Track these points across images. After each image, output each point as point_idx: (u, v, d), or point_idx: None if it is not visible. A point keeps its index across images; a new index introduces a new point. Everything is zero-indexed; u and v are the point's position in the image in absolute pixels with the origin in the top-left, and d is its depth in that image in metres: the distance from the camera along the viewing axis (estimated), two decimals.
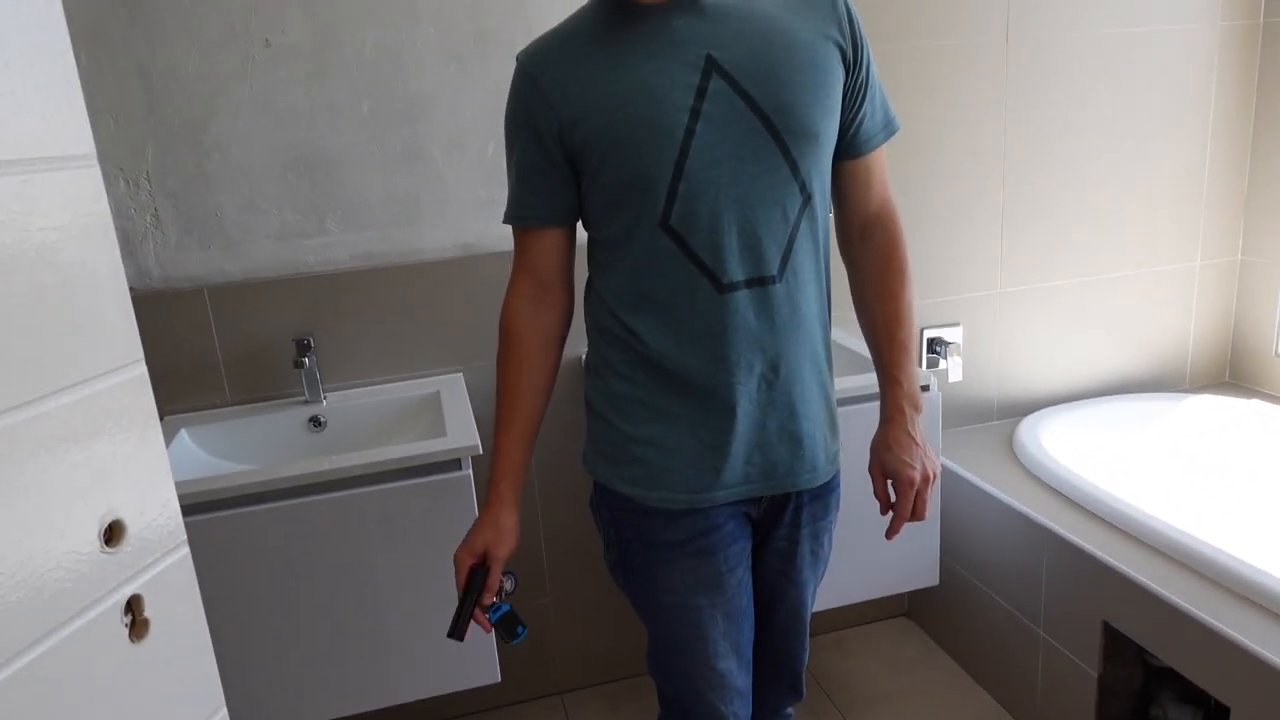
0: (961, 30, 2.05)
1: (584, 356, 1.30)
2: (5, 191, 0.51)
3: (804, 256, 1.16)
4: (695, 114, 1.08)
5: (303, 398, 1.80)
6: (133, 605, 0.58)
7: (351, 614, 1.54)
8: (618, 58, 1.10)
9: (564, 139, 1.12)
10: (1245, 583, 1.56)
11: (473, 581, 1.20)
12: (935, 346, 2.24)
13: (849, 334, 1.78)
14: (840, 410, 1.30)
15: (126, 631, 0.58)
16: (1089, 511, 1.87)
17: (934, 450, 1.28)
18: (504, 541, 1.21)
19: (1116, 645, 1.73)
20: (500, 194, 1.85)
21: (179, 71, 1.66)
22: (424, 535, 1.53)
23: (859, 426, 1.40)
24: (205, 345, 1.77)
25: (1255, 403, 2.31)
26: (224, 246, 1.76)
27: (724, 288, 1.13)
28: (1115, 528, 1.81)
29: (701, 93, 1.08)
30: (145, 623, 0.59)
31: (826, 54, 1.13)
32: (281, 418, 1.76)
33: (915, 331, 1.27)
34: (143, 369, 0.60)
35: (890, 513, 1.25)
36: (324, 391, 1.81)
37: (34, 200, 0.53)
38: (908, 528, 1.26)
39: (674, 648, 1.25)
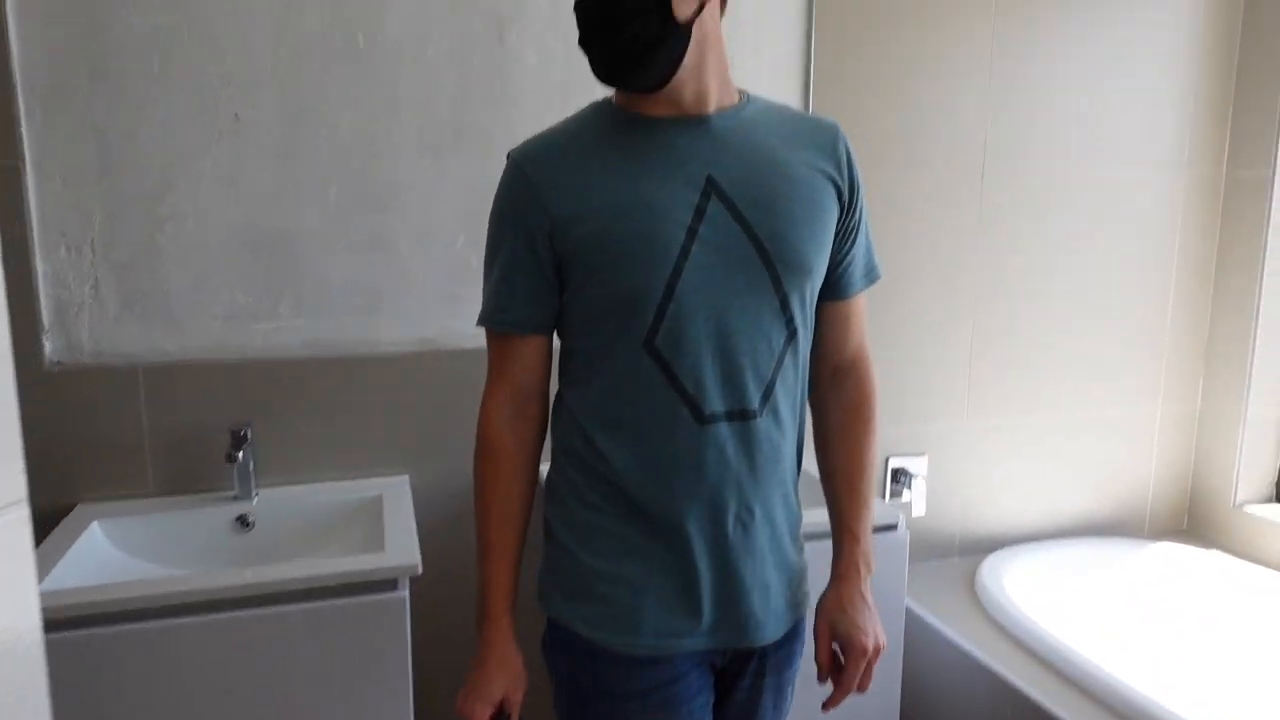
0: (940, 163, 2.06)
1: (545, 476, 1.20)
2: None
3: (784, 393, 1.11)
4: (692, 234, 1.04)
5: (232, 493, 1.66)
6: None
7: None
8: (618, 167, 1.06)
9: (555, 242, 1.06)
10: None
11: None
12: (899, 476, 2.19)
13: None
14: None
15: None
16: (1053, 667, 1.80)
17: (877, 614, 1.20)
18: (520, 685, 1.13)
19: None
20: (466, 290, 1.77)
21: (140, 138, 1.58)
22: (351, 662, 1.39)
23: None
24: (132, 428, 1.64)
25: (1214, 554, 2.29)
26: (167, 324, 1.65)
27: (704, 418, 1.07)
28: (1079, 687, 1.74)
29: (699, 213, 1.05)
30: None
31: (823, 190, 1.11)
32: (206, 514, 1.62)
33: (875, 485, 1.23)
34: (24, 511, 0.49)
35: (829, 681, 1.15)
36: (256, 488, 1.67)
37: None
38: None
39: None
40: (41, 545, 1.48)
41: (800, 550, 1.20)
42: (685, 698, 1.10)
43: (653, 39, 1.01)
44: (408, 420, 1.78)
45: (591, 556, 1.10)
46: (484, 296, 1.14)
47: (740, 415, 1.07)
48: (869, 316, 1.23)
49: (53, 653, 0.54)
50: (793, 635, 1.19)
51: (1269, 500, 2.38)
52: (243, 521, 1.63)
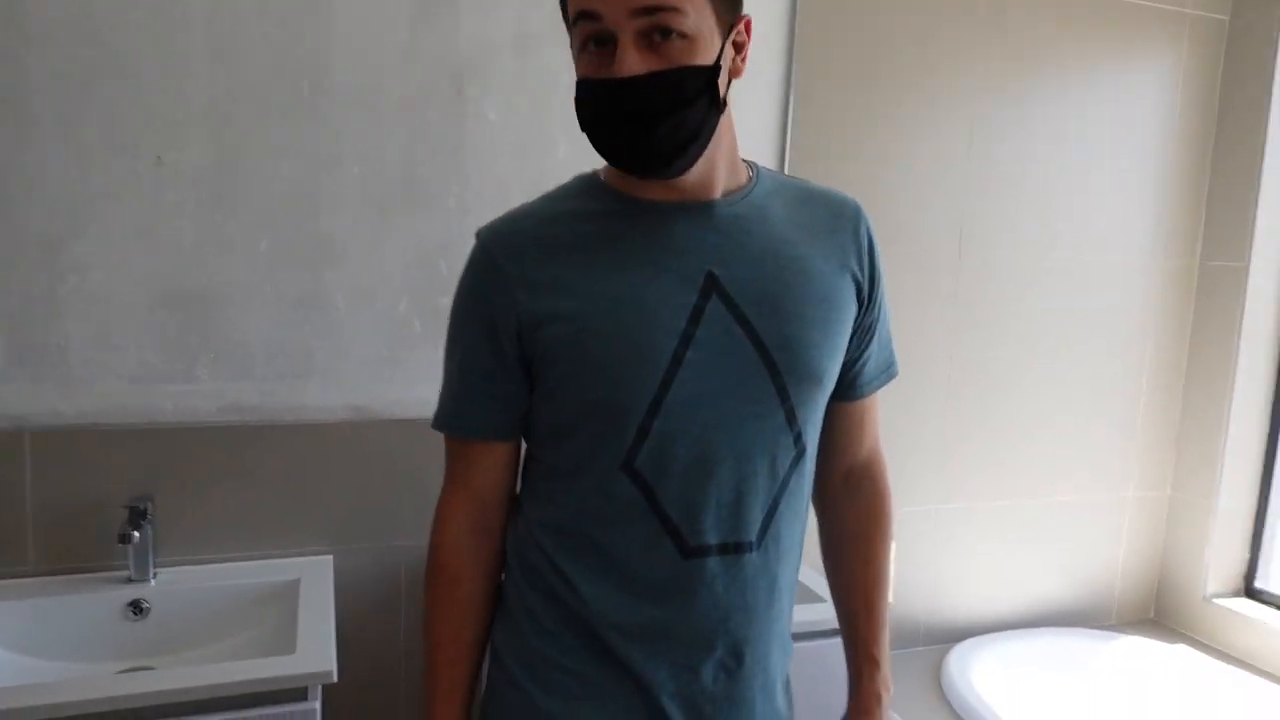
0: (917, 242, 1.99)
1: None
2: None
3: (788, 520, 0.97)
4: (686, 339, 0.90)
5: (126, 573, 1.48)
6: None
7: None
8: (605, 257, 0.92)
9: (523, 341, 0.92)
10: None
11: None
12: None
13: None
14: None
15: None
16: None
17: None
18: None
19: None
20: (406, 354, 1.63)
21: (44, 178, 1.42)
22: None
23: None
24: (13, 498, 1.46)
25: (1181, 648, 2.21)
26: (62, 383, 1.47)
27: (690, 551, 0.92)
28: None
29: (697, 314, 0.91)
30: None
31: (842, 288, 0.98)
32: (94, 599, 1.44)
33: (888, 598, 1.11)
34: None
35: None
36: (155, 567, 1.49)
37: None
38: None
39: None
40: None
41: (790, 701, 1.06)
42: None
43: (696, 128, 0.87)
44: (334, 494, 1.62)
45: (544, 694, 0.95)
46: (440, 394, 1.00)
47: (734, 548, 0.93)
48: None
49: None
50: None
51: (1238, 593, 2.32)
52: (136, 608, 1.45)
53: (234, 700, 1.21)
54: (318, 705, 1.25)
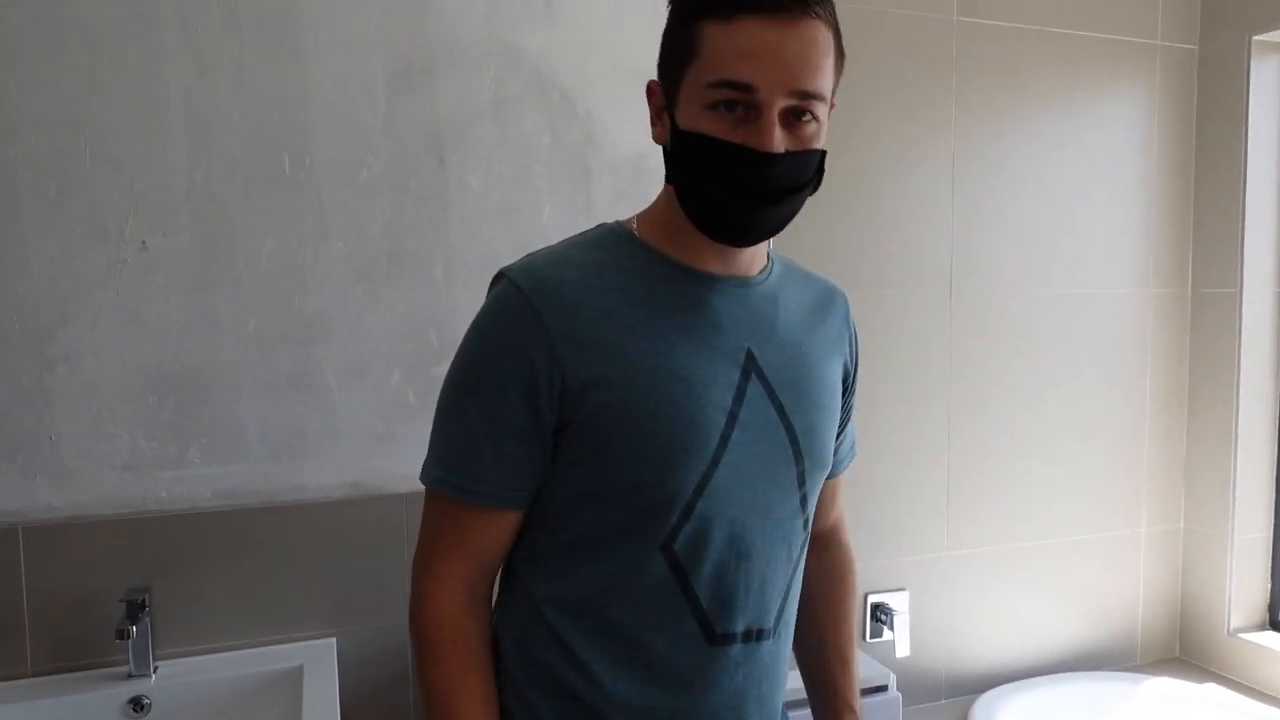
0: (906, 282, 1.99)
1: None
2: None
3: (793, 604, 0.97)
4: (732, 419, 0.88)
5: (126, 669, 1.44)
6: None
7: None
8: (650, 322, 0.88)
9: (564, 405, 0.86)
10: None
11: None
12: (880, 614, 2.02)
13: None
14: None
15: None
16: None
17: None
18: None
19: None
20: (402, 428, 1.61)
21: (30, 269, 1.42)
22: None
23: None
24: (9, 597, 1.42)
25: (1210, 687, 2.15)
26: (55, 476, 1.45)
27: (716, 639, 0.89)
28: None
29: (740, 393, 0.89)
30: None
31: (838, 373, 1.01)
32: (94, 698, 1.39)
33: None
34: None
35: None
36: (155, 661, 1.45)
37: None
38: None
39: None
40: None
41: None
42: None
43: (798, 209, 0.89)
44: (334, 574, 1.58)
45: None
46: (441, 448, 0.91)
47: (756, 635, 0.92)
48: None
49: None
50: None
51: (1263, 626, 2.26)
52: (137, 705, 1.40)
53: None
54: None
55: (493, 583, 0.95)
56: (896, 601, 2.04)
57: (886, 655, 2.01)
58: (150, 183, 1.47)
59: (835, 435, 0.99)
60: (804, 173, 0.86)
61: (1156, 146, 2.21)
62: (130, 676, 1.43)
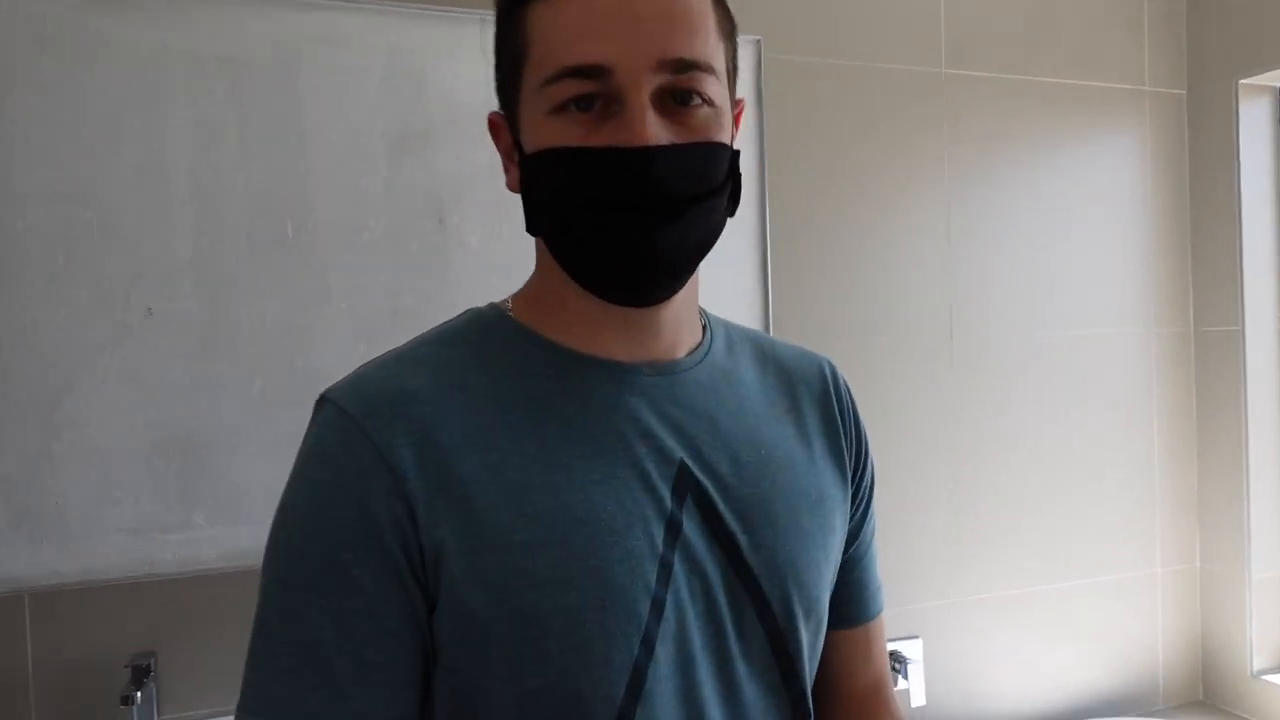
0: (905, 328, 2.00)
1: None
2: None
3: None
4: (666, 572, 0.61)
5: None
6: None
7: None
8: (535, 444, 0.63)
9: (431, 581, 0.60)
10: None
11: None
12: (894, 663, 1.99)
13: None
14: None
15: None
16: None
17: None
18: None
19: None
20: None
21: (36, 338, 1.45)
22: None
23: None
24: (14, 665, 1.43)
25: None
26: (61, 541, 1.46)
27: None
28: None
29: (673, 535, 0.62)
30: None
31: (826, 480, 0.74)
32: None
33: None
34: None
35: None
36: None
37: None
38: None
39: None
40: None
41: None
42: None
43: (712, 231, 0.65)
44: None
45: None
46: (267, 681, 0.62)
47: None
48: None
49: None
50: None
51: None
52: None
53: None
54: None
55: None
56: (910, 650, 2.01)
57: (902, 705, 1.98)
58: (154, 251, 1.50)
59: (832, 567, 0.72)
60: (705, 172, 0.62)
61: (1151, 190, 2.23)
62: None
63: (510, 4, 0.65)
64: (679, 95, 0.61)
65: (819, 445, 0.74)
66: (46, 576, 1.46)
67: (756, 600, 0.65)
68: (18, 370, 1.44)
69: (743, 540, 0.65)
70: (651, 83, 0.60)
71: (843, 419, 0.77)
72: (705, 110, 0.62)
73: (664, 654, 0.60)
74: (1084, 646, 2.18)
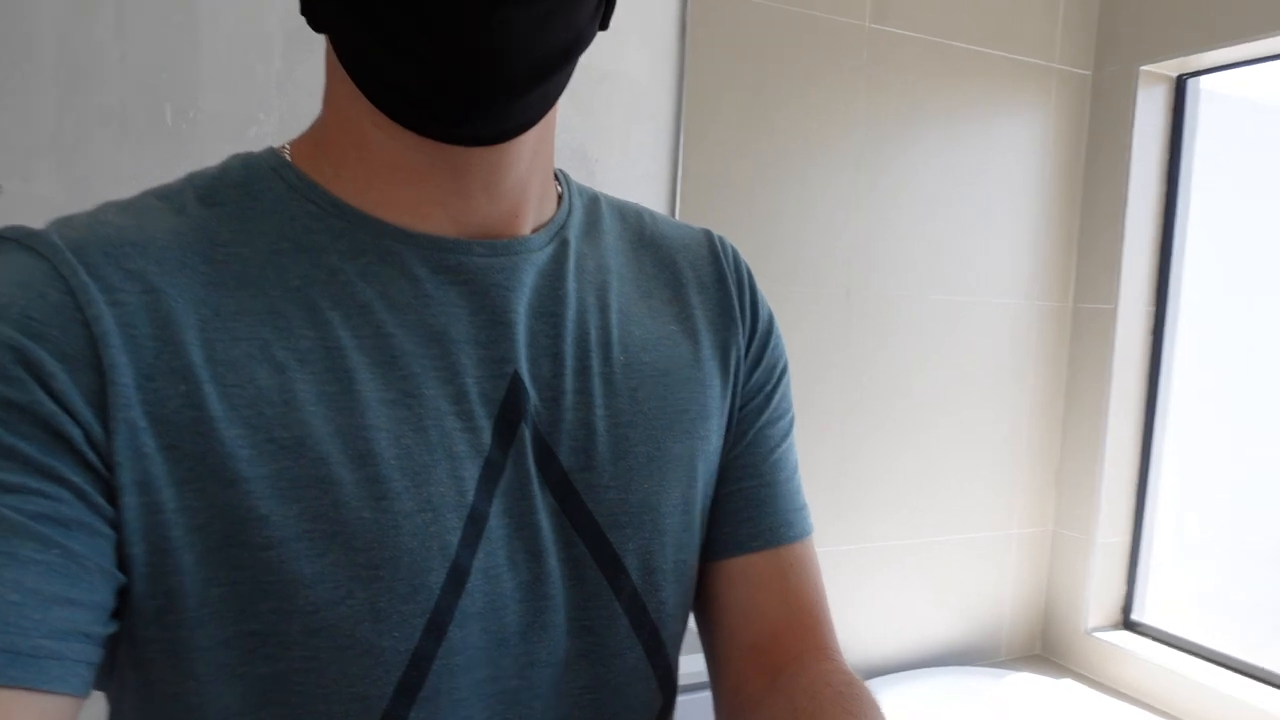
0: (807, 284, 2.01)
1: None
2: None
3: None
4: (477, 530, 0.46)
5: None
6: None
7: None
8: (302, 341, 0.46)
9: (115, 499, 0.42)
10: None
11: None
12: None
13: None
14: None
15: None
16: None
17: None
18: None
19: None
20: None
21: None
22: None
23: None
24: None
25: (1067, 683, 2.26)
26: None
27: None
28: None
29: (493, 474, 0.47)
30: None
31: (711, 388, 0.57)
32: None
33: None
34: None
35: None
36: None
37: None
38: None
39: None
40: None
41: None
42: None
43: (575, 37, 0.46)
44: None
45: None
46: None
47: None
48: None
49: None
50: None
51: (1117, 626, 2.39)
52: None
53: None
54: None
55: None
56: None
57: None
58: (10, 121, 1.36)
59: (705, 505, 0.58)
60: None
61: (1050, 165, 2.29)
62: None
63: None
64: None
65: (707, 342, 0.57)
66: None
67: (604, 559, 0.50)
68: None
69: (587, 480, 0.49)
70: None
71: (740, 297, 0.60)
72: None
73: (461, 641, 0.45)
74: (940, 599, 2.29)
